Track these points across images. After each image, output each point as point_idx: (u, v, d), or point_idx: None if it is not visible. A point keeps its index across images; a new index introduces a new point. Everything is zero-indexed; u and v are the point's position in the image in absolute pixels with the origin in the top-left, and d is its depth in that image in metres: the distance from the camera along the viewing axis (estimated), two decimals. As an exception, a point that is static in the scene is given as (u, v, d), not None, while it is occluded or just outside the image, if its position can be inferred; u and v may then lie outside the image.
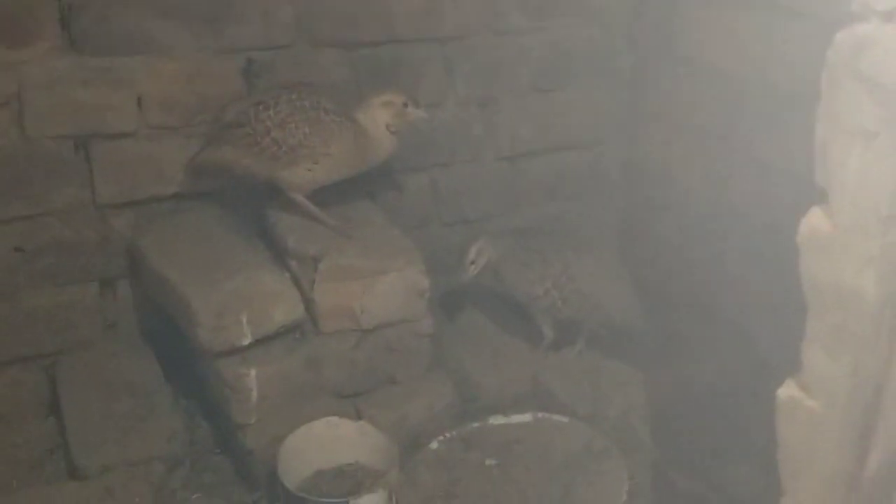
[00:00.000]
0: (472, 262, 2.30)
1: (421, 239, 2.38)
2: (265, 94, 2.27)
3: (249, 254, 2.23)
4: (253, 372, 2.06)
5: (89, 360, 2.28)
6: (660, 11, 2.56)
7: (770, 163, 2.29)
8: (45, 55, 2.12)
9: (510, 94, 2.67)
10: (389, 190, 2.56)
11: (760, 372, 2.29)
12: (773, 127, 2.27)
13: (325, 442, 2.08)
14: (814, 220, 1.20)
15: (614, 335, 2.40)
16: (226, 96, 2.29)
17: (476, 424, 2.18)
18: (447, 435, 2.14)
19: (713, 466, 2.09)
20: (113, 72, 2.19)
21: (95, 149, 2.22)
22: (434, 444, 2.12)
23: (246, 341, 2.07)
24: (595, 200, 2.83)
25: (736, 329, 2.38)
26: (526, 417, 2.19)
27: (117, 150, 2.24)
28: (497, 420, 2.19)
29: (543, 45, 2.66)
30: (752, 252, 2.34)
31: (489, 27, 2.59)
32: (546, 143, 2.74)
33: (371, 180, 2.43)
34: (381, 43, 2.47)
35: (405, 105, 2.21)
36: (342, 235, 2.23)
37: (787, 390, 1.24)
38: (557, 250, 2.36)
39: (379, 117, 2.20)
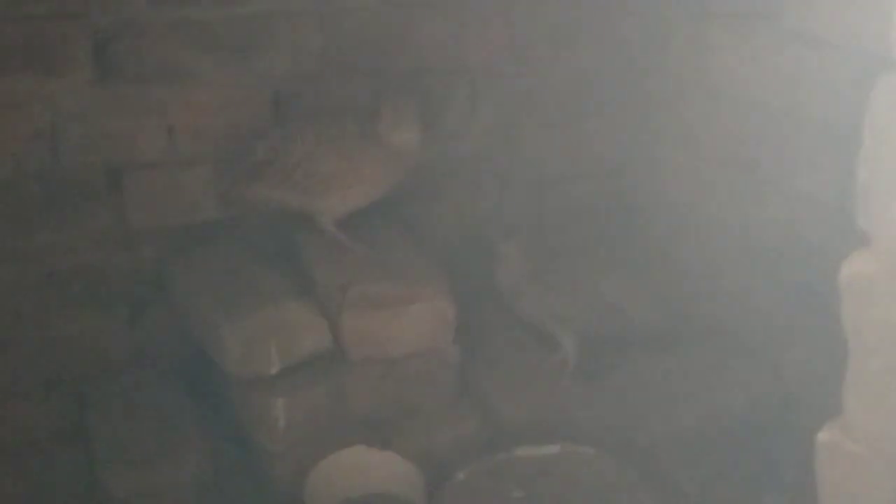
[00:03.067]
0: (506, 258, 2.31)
1: (447, 268, 2.38)
2: (291, 125, 2.29)
3: (278, 281, 2.23)
4: (280, 401, 2.06)
5: (117, 386, 2.28)
6: (688, 41, 2.56)
7: (800, 194, 2.27)
8: (78, 85, 2.15)
9: (535, 123, 2.68)
10: (415, 219, 2.56)
11: (789, 405, 2.29)
12: (804, 158, 2.26)
13: (352, 471, 2.08)
14: (857, 264, 1.19)
15: (638, 344, 2.39)
16: (255, 125, 2.30)
17: (503, 455, 2.17)
18: (474, 466, 2.13)
19: (743, 499, 2.07)
20: (145, 101, 2.21)
21: (127, 177, 2.24)
22: (461, 475, 2.11)
23: (274, 370, 2.08)
24: (619, 228, 2.82)
25: (764, 361, 2.36)
26: (553, 449, 2.18)
27: (148, 179, 2.26)
28: (524, 451, 2.17)
29: (569, 73, 2.67)
30: (781, 284, 2.33)
31: (515, 56, 2.60)
32: (571, 172, 2.74)
33: (397, 209, 2.44)
34: (407, 72, 2.49)
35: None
36: (369, 262, 2.23)
37: (827, 434, 1.23)
38: (575, 267, 2.38)
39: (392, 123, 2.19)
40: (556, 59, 2.65)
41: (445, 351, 2.22)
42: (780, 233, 2.35)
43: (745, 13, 2.37)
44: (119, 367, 2.32)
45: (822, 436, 1.24)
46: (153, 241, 2.31)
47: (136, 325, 2.35)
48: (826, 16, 2.13)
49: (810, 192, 2.25)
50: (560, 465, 2.15)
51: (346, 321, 2.12)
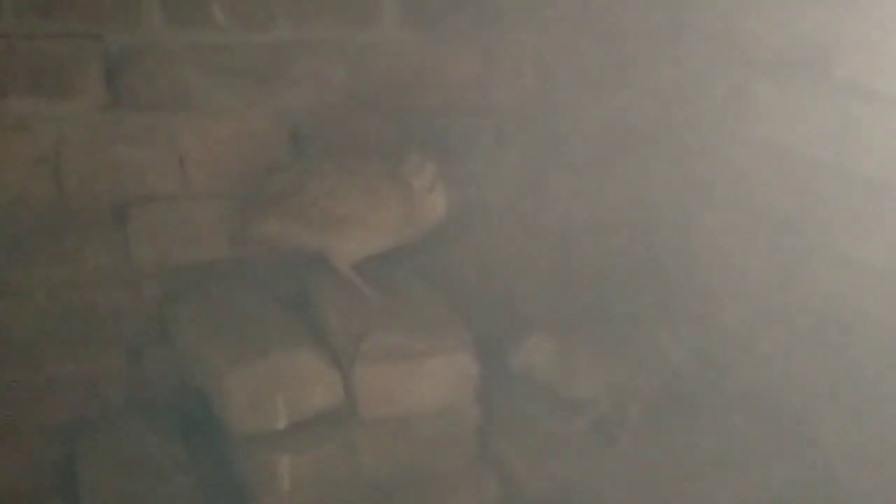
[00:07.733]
0: (524, 357, 2.21)
1: (466, 318, 2.25)
2: (312, 161, 2.17)
3: (287, 328, 2.10)
4: (286, 459, 1.92)
5: (111, 433, 2.14)
6: (728, 89, 2.45)
7: (846, 254, 2.15)
8: (87, 109, 2.04)
9: (564, 170, 2.57)
10: (435, 265, 2.43)
11: (829, 482, 2.13)
12: (850, 215, 2.14)
13: (360, 539, 1.94)
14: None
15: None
16: (272, 160, 2.19)
17: (522, 526, 2.02)
18: (492, 536, 1.98)
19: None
20: (156, 130, 2.10)
21: (133, 209, 2.13)
22: (477, 546, 1.96)
23: (280, 425, 1.94)
24: (649, 283, 2.69)
25: (803, 433, 2.22)
26: (576, 521, 2.03)
27: (155, 213, 2.14)
28: (545, 522, 2.03)
29: (601, 119, 2.56)
30: (824, 350, 2.19)
31: (545, 99, 2.50)
32: (600, 222, 2.62)
33: (416, 254, 2.32)
34: (433, 110, 2.39)
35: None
36: (386, 310, 2.10)
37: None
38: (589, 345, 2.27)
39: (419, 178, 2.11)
40: (587, 104, 2.54)
41: (465, 410, 2.08)
42: (822, 297, 2.22)
43: (791, 61, 2.26)
44: (113, 411, 2.18)
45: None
46: (157, 280, 2.19)
47: (135, 368, 2.21)
48: (879, 66, 2.03)
49: (856, 254, 2.13)
50: (585, 539, 1.99)
51: (360, 374, 1.99)
